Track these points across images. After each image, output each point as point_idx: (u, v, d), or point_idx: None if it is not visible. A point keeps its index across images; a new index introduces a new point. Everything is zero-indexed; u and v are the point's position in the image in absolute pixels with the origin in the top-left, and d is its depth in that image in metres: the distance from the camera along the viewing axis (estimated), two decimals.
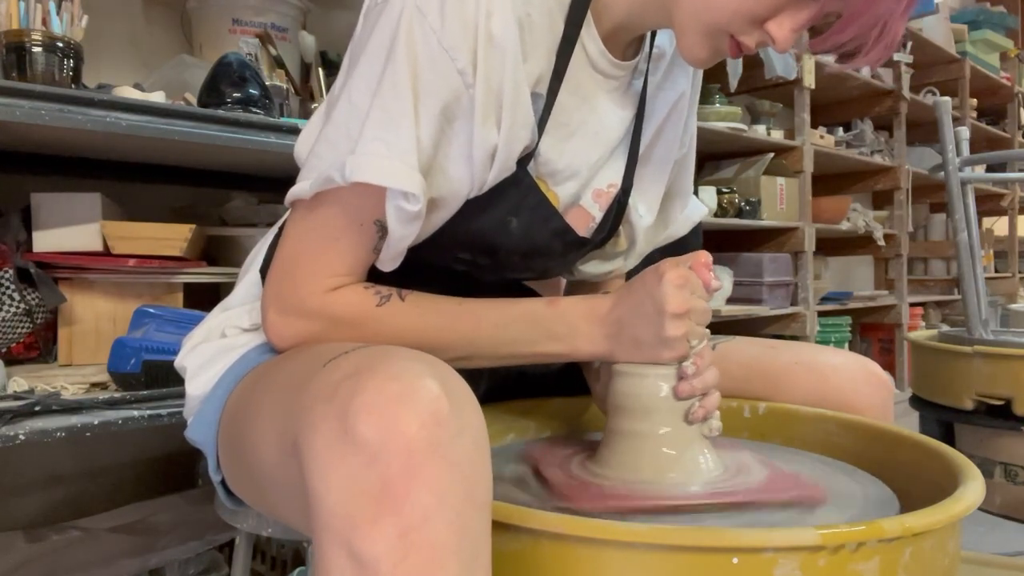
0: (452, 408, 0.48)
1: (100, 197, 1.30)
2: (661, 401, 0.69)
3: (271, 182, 1.69)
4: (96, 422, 1.05)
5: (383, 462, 0.46)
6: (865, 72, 3.18)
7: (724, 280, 2.48)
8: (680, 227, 0.99)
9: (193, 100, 1.40)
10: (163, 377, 1.12)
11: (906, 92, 3.32)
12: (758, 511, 0.62)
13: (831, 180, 3.40)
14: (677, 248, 1.01)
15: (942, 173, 1.68)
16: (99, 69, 1.59)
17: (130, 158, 1.50)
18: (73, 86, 1.21)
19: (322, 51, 1.81)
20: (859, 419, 0.81)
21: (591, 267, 0.94)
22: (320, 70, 1.71)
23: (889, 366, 3.39)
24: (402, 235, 0.69)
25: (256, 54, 1.57)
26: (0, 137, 1.24)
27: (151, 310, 1.22)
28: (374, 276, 0.75)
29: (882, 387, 0.87)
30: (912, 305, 3.52)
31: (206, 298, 1.35)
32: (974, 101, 4.04)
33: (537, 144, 0.74)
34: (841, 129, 3.31)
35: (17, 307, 1.24)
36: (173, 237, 1.30)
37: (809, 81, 2.76)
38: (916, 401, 1.78)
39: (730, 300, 2.53)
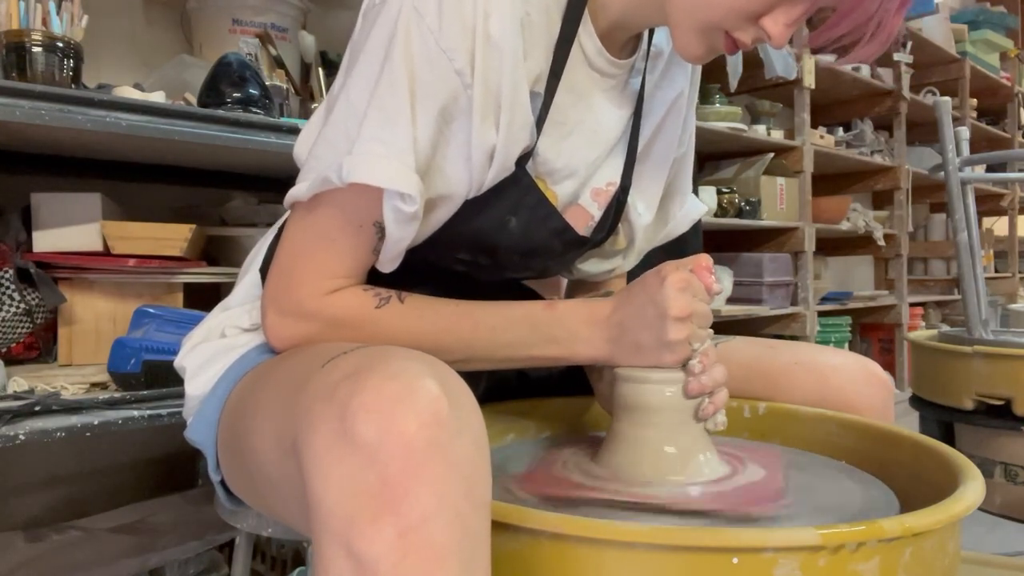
0: (451, 408, 0.48)
1: (100, 197, 1.30)
2: (667, 402, 0.69)
3: (271, 182, 1.69)
4: (96, 422, 1.05)
5: (382, 462, 0.46)
6: (865, 72, 3.17)
7: (724, 280, 2.48)
8: (679, 225, 0.99)
9: (193, 100, 1.40)
10: (163, 377, 1.12)
11: (906, 92, 3.32)
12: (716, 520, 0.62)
13: (831, 180, 3.40)
14: (677, 246, 1.02)
15: (942, 173, 1.68)
16: (99, 69, 1.59)
17: (130, 158, 1.50)
18: (73, 86, 1.21)
19: (322, 51, 1.81)
20: (859, 419, 0.81)
21: (590, 266, 0.94)
22: (320, 70, 1.71)
23: (889, 366, 3.39)
24: (400, 236, 0.69)
25: (256, 54, 1.57)
26: (0, 137, 1.24)
27: (151, 310, 1.22)
28: (374, 276, 0.75)
29: (882, 387, 0.87)
30: (912, 305, 3.52)
31: (206, 298, 1.34)
32: (974, 101, 4.04)
33: (535, 143, 0.74)
34: (841, 129, 3.31)
35: (17, 307, 1.24)
36: (173, 237, 1.30)
37: (809, 81, 2.76)
38: (916, 401, 1.78)
39: (730, 300, 2.53)
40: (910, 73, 3.37)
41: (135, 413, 1.09)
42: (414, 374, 0.49)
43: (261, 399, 0.66)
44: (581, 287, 1.00)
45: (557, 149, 0.77)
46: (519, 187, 0.74)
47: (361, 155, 0.65)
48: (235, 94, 1.35)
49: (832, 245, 3.28)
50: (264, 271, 0.79)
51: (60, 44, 1.19)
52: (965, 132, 1.70)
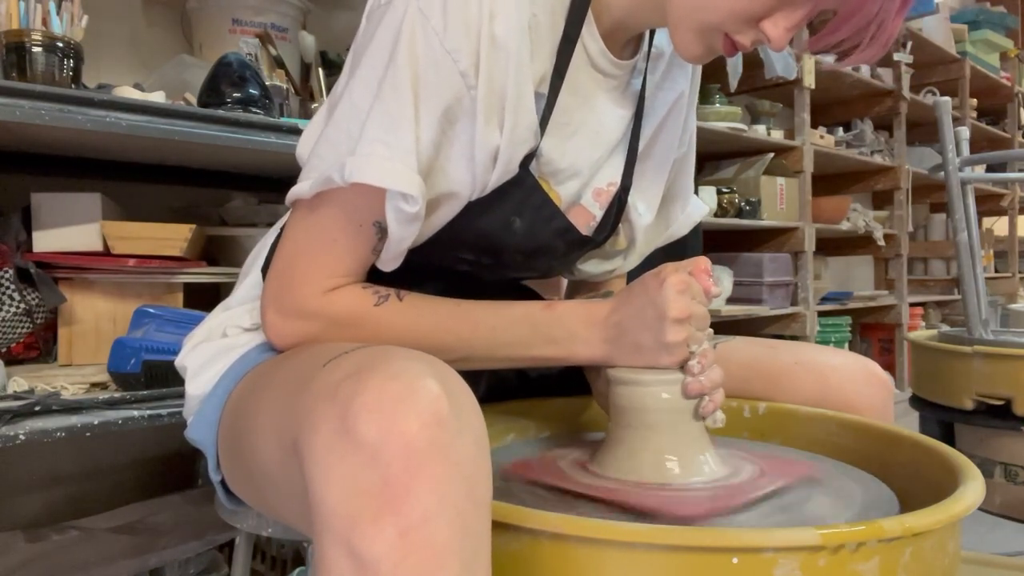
0: (452, 408, 0.48)
1: (100, 197, 1.30)
2: (664, 403, 0.69)
3: (271, 182, 1.69)
4: (96, 422, 1.05)
5: (383, 462, 0.46)
6: (865, 72, 3.18)
7: (724, 281, 2.49)
8: (681, 227, 0.99)
9: (193, 100, 1.40)
10: (163, 377, 1.12)
11: (906, 92, 3.33)
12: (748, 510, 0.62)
13: (831, 180, 3.40)
14: (677, 247, 1.02)
15: (942, 173, 1.68)
16: (99, 69, 1.59)
17: (130, 158, 1.50)
18: (73, 86, 1.21)
19: (322, 51, 1.81)
20: (859, 419, 0.81)
21: (591, 266, 0.94)
22: (320, 70, 1.71)
23: (889, 366, 3.39)
24: (401, 236, 0.69)
25: (256, 54, 1.57)
26: (0, 137, 1.24)
27: (151, 310, 1.22)
28: (376, 275, 0.75)
29: (882, 387, 0.87)
30: (912, 305, 3.52)
31: (206, 298, 1.35)
32: (974, 101, 4.04)
33: (539, 144, 0.74)
34: (841, 129, 3.31)
35: (17, 307, 1.24)
36: (173, 237, 1.30)
37: (809, 81, 2.76)
38: (916, 401, 1.78)
39: (730, 300, 2.53)
40: (910, 73, 3.37)
41: (135, 413, 1.09)
42: (415, 374, 0.49)
43: (262, 399, 0.66)
44: (581, 287, 1.01)
45: (561, 150, 0.77)
46: (523, 188, 0.74)
47: (364, 155, 0.65)
48: (235, 94, 1.34)
49: (832, 245, 3.28)
50: (265, 271, 0.79)
51: (60, 44, 1.19)
52: (965, 132, 1.70)
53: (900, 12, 0.67)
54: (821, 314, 2.91)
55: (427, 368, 0.50)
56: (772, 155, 2.69)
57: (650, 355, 0.70)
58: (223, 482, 0.78)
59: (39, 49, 1.17)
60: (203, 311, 0.94)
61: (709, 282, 0.71)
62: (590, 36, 0.76)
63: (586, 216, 0.83)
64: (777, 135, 2.77)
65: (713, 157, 2.83)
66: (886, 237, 3.25)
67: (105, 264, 1.28)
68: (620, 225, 0.89)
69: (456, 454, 0.48)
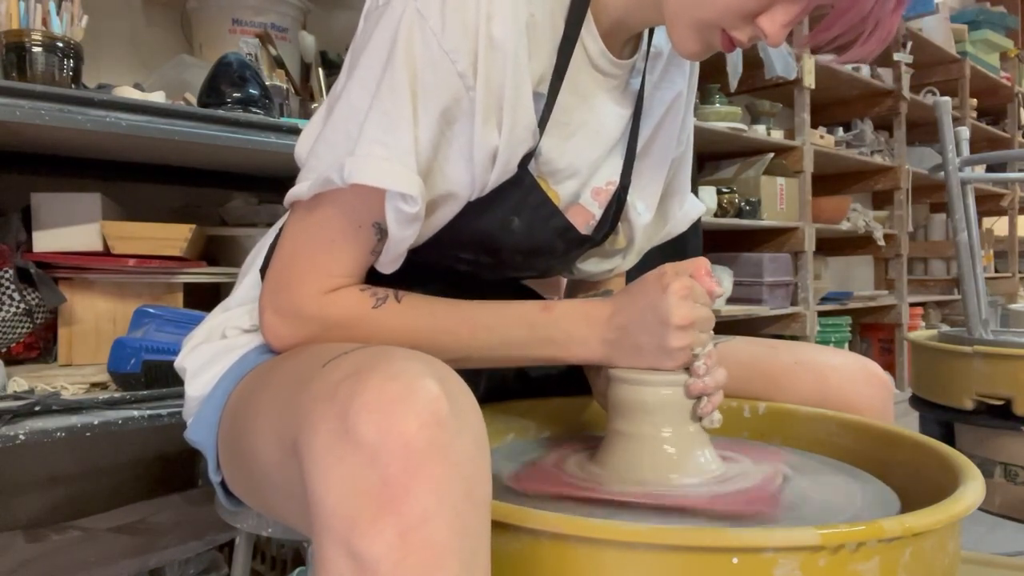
0: (452, 408, 0.48)
1: (100, 197, 1.30)
2: (664, 403, 0.69)
3: (271, 182, 1.69)
4: (96, 422, 1.05)
5: (383, 462, 0.46)
6: (865, 72, 3.18)
7: (724, 281, 2.49)
8: (679, 225, 0.99)
9: (193, 100, 1.40)
10: (163, 377, 1.12)
11: (906, 92, 3.33)
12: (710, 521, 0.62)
13: (831, 180, 3.40)
14: (677, 246, 1.02)
15: (942, 173, 1.68)
16: (99, 69, 1.59)
17: (130, 158, 1.50)
18: (73, 86, 1.21)
19: (322, 51, 1.81)
20: (859, 419, 0.81)
21: (590, 265, 0.94)
22: (320, 70, 1.71)
23: (889, 366, 3.39)
24: (401, 237, 0.69)
25: (256, 54, 1.57)
26: (0, 137, 1.24)
27: (151, 310, 1.22)
28: (375, 274, 0.75)
29: (882, 387, 0.87)
30: (912, 305, 3.52)
31: (206, 298, 1.35)
32: (974, 101, 4.04)
33: (539, 144, 0.74)
34: (841, 129, 3.31)
35: (17, 307, 1.24)
36: (173, 237, 1.30)
37: (809, 81, 2.76)
38: (916, 401, 1.78)
39: (730, 300, 2.53)
40: (910, 73, 3.37)
41: (135, 413, 1.09)
42: (414, 374, 0.49)
43: (261, 400, 0.66)
44: (580, 286, 1.01)
45: (560, 149, 0.77)
46: (522, 187, 0.74)
47: (363, 156, 0.65)
48: (235, 94, 1.35)
49: (832, 245, 3.28)
50: (264, 272, 0.79)
51: (60, 44, 1.19)
52: (965, 132, 1.70)
53: (897, 8, 0.67)
54: (821, 314, 2.91)
55: (426, 368, 0.50)
56: (772, 155, 2.69)
57: (652, 358, 0.70)
58: (223, 483, 0.78)
59: (39, 49, 1.17)
60: (203, 311, 0.94)
61: (712, 283, 0.71)
62: (589, 36, 0.76)
63: (585, 215, 0.83)
64: (777, 135, 2.77)
65: (713, 157, 2.83)
66: (886, 237, 3.25)
67: (105, 264, 1.28)
68: (619, 224, 0.89)
69: (455, 454, 0.48)
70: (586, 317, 0.73)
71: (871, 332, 3.53)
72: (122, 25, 1.68)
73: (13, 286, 1.23)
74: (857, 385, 0.86)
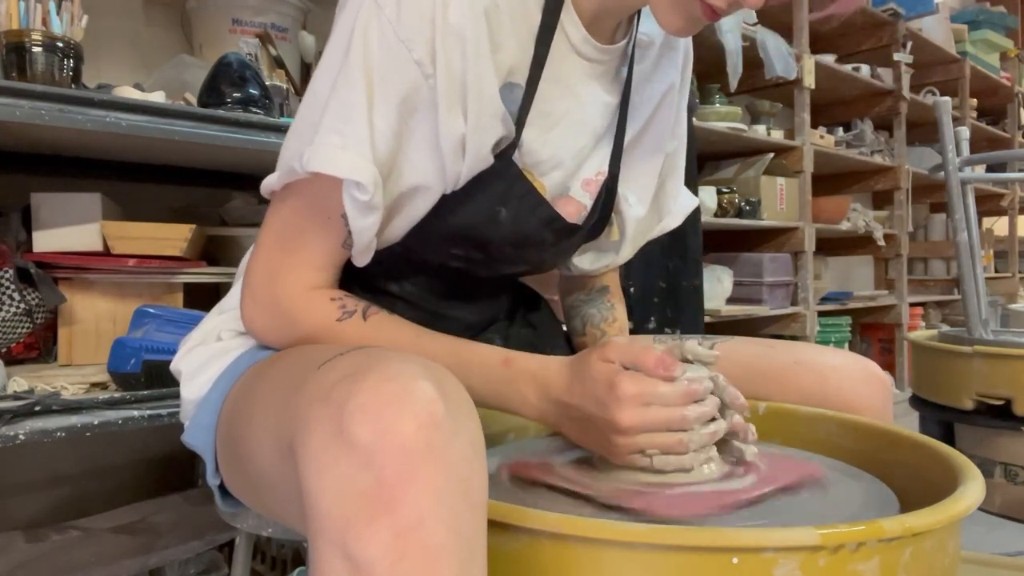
0: (447, 409, 0.48)
1: (100, 197, 1.30)
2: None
3: None
4: (96, 422, 1.05)
5: (378, 464, 0.46)
6: (865, 72, 3.18)
7: (724, 280, 2.49)
8: (674, 219, 0.99)
9: (193, 100, 1.40)
10: (163, 377, 1.12)
11: (906, 92, 3.33)
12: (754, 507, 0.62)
13: (831, 180, 3.40)
14: (678, 246, 1.01)
15: (942, 173, 1.68)
16: (99, 69, 1.59)
17: (130, 158, 1.50)
18: (73, 86, 1.21)
19: (322, 51, 1.80)
20: (859, 419, 0.81)
21: (586, 260, 0.95)
22: None
23: (889, 366, 3.39)
24: (361, 226, 0.69)
25: (256, 54, 1.57)
26: (0, 137, 1.24)
27: (151, 310, 1.22)
28: (375, 273, 0.75)
29: (881, 387, 0.87)
30: (912, 305, 3.52)
31: (206, 298, 1.34)
32: (974, 101, 4.04)
33: (520, 135, 0.74)
34: (841, 129, 3.31)
35: (17, 307, 1.24)
36: (173, 237, 1.30)
37: (809, 81, 2.77)
38: (916, 401, 1.78)
39: (730, 300, 2.54)
40: (910, 73, 3.37)
41: (135, 413, 1.09)
42: (410, 376, 0.49)
43: (258, 402, 0.66)
44: (575, 283, 1.00)
45: (543, 140, 0.77)
46: (506, 178, 0.74)
47: (320, 145, 0.66)
48: (235, 94, 1.35)
49: (832, 245, 3.28)
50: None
51: (60, 44, 1.19)
52: (965, 132, 1.70)
53: None
54: (821, 314, 2.91)
55: (422, 370, 0.50)
56: (772, 155, 2.69)
57: (596, 448, 0.69)
58: (221, 485, 0.78)
59: (39, 49, 1.17)
60: (203, 311, 0.94)
61: (672, 370, 0.64)
62: (571, 23, 0.76)
63: (576, 206, 0.84)
64: (777, 135, 2.77)
65: (713, 157, 2.83)
66: (886, 237, 3.25)
67: (105, 264, 1.28)
68: (612, 216, 0.89)
69: (451, 456, 0.47)
70: (540, 386, 0.70)
71: (871, 332, 3.53)
72: (122, 25, 1.68)
73: (13, 286, 1.23)
74: (857, 385, 0.86)
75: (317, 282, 0.73)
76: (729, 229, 2.64)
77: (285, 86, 1.55)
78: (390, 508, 0.45)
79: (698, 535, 0.50)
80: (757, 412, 0.88)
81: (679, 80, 0.91)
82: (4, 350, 1.26)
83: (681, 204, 0.99)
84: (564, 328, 1.02)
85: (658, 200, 0.96)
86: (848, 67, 3.10)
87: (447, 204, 0.74)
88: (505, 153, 0.73)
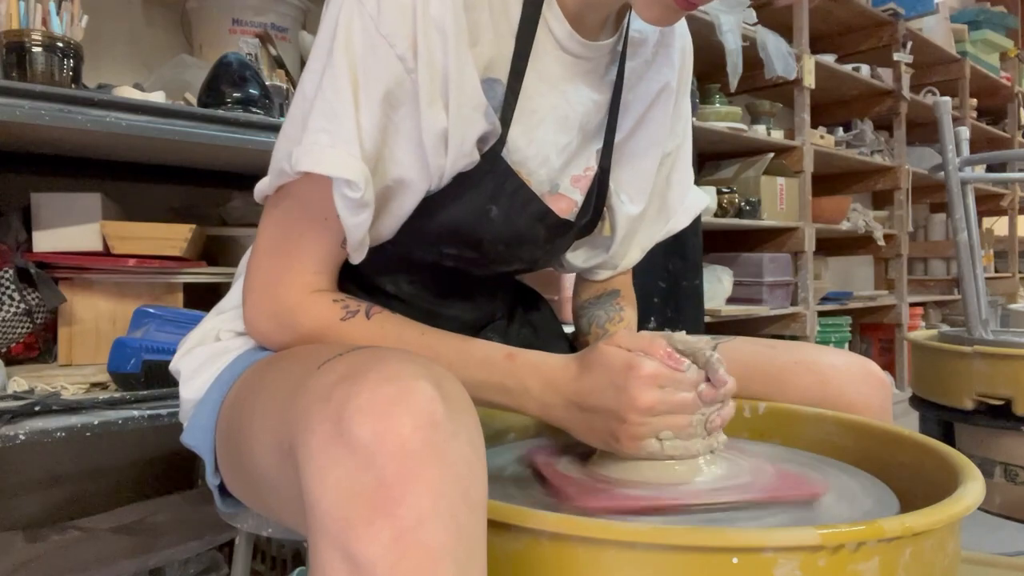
0: (447, 410, 0.48)
1: (100, 197, 1.30)
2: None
3: None
4: (96, 422, 1.05)
5: (378, 464, 0.46)
6: (865, 72, 3.18)
7: (724, 280, 2.49)
8: (681, 219, 0.98)
9: (193, 100, 1.40)
10: (163, 377, 1.12)
11: (906, 92, 3.33)
12: (760, 509, 0.62)
13: (831, 180, 3.40)
14: (678, 246, 1.01)
15: (942, 173, 1.68)
16: (99, 69, 1.59)
17: (130, 158, 1.50)
18: (73, 86, 1.21)
19: None
20: (859, 419, 0.81)
21: (578, 257, 0.94)
22: None
23: (889, 366, 3.39)
24: (353, 224, 0.69)
25: (256, 54, 1.57)
26: (0, 137, 1.24)
27: (151, 310, 1.22)
28: (374, 272, 0.75)
29: (881, 387, 0.87)
30: (912, 305, 3.52)
31: (206, 298, 1.34)
32: (974, 101, 4.04)
33: (505, 133, 0.74)
34: (841, 129, 3.31)
35: (17, 307, 1.24)
36: (173, 237, 1.30)
37: (809, 81, 2.77)
38: (916, 401, 1.78)
39: (730, 300, 2.54)
40: (910, 73, 3.37)
41: (135, 413, 1.09)
42: (410, 376, 0.49)
43: (257, 402, 0.66)
44: (586, 287, 1.00)
45: (528, 137, 0.77)
46: (496, 175, 0.74)
47: (308, 145, 0.66)
48: (235, 94, 1.35)
49: (832, 245, 3.28)
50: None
51: (60, 44, 1.19)
52: (965, 132, 1.70)
53: None
54: (821, 314, 2.91)
55: (422, 370, 0.50)
56: (772, 155, 2.69)
57: (600, 441, 0.68)
58: (221, 485, 0.78)
59: (39, 49, 1.17)
60: (203, 311, 0.94)
61: (679, 366, 0.65)
62: (554, 18, 0.75)
63: (567, 203, 0.84)
64: (777, 135, 2.77)
65: (713, 157, 2.83)
66: (886, 237, 3.25)
67: (105, 264, 1.28)
68: (604, 211, 0.89)
69: (451, 456, 0.47)
70: (546, 378, 0.69)
71: (871, 332, 3.53)
72: (122, 25, 1.68)
73: (13, 286, 1.23)
74: (856, 385, 0.86)
75: (318, 284, 0.73)
76: (729, 229, 2.64)
77: (285, 86, 1.55)
78: (390, 508, 0.45)
79: (698, 535, 0.50)
80: (757, 412, 0.88)
81: (676, 79, 0.90)
82: (4, 350, 1.26)
83: (689, 204, 0.98)
84: (565, 329, 1.02)
85: (664, 200, 0.95)
86: (848, 67, 3.10)
87: (438, 202, 0.74)
88: (493, 150, 0.73)
